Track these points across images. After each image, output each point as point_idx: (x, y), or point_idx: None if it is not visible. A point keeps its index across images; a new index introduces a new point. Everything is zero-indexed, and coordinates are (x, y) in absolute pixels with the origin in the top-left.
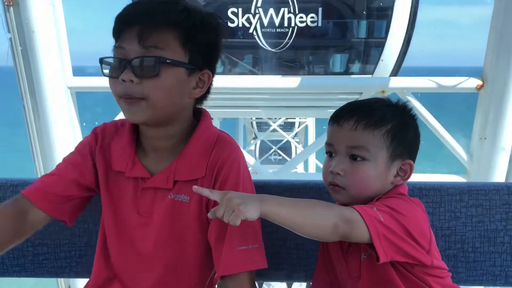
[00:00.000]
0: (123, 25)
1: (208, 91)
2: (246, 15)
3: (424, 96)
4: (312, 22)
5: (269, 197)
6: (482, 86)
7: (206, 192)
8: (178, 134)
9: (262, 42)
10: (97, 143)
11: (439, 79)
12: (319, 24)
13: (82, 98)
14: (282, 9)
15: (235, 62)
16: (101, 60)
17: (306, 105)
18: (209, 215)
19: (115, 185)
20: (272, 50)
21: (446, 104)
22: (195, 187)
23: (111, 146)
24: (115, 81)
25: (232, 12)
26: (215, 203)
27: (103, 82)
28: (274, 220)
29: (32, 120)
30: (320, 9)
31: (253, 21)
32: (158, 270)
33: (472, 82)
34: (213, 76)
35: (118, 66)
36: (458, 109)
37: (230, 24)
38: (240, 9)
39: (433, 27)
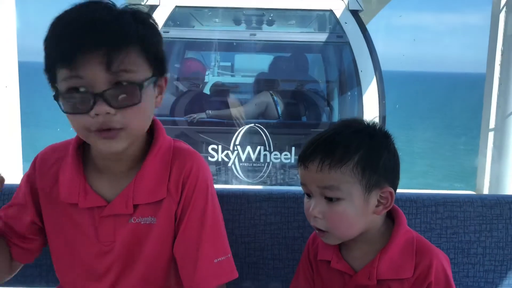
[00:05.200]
0: (78, 49)
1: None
2: (226, 152)
3: None
4: (285, 159)
5: None
6: None
7: None
8: (136, 152)
9: (239, 173)
10: (36, 170)
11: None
12: (292, 161)
13: None
14: (258, 147)
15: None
16: (57, 97)
17: None
18: None
19: (66, 216)
20: (248, 181)
21: None
22: None
23: (58, 175)
24: (82, 116)
25: (213, 149)
26: (187, 221)
27: None
28: None
29: None
30: (293, 148)
31: (232, 156)
32: None
33: None
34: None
35: (83, 101)
36: None
37: (210, 159)
38: (219, 146)
39: (413, 32)
